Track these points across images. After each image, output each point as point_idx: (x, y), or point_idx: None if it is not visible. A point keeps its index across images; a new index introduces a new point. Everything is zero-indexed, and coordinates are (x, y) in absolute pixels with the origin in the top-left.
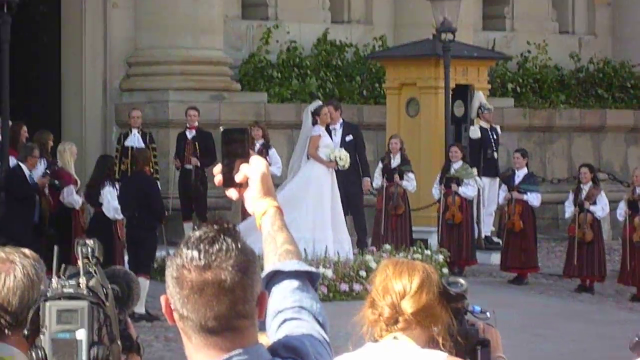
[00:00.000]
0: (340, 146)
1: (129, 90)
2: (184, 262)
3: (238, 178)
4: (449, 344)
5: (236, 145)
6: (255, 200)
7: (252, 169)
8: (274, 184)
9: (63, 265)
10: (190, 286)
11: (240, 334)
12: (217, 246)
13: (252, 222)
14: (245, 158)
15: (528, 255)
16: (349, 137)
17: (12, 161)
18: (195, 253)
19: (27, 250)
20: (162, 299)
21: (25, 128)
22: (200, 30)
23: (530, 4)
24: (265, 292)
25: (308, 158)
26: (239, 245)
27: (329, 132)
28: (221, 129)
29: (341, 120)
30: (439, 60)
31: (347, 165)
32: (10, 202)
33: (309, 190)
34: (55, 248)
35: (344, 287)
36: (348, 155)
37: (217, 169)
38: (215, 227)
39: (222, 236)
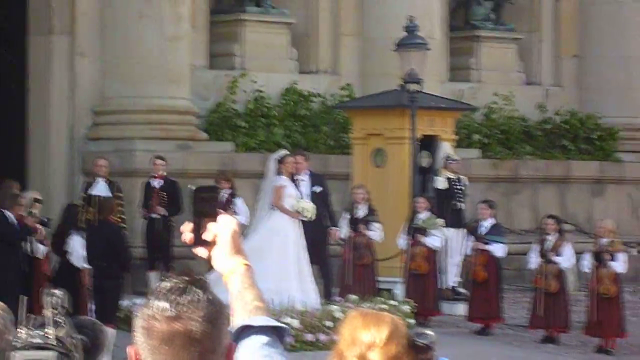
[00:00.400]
0: (309, 197)
1: (96, 139)
2: (154, 313)
3: (207, 237)
4: None
5: (206, 204)
6: (224, 259)
7: (222, 228)
8: (240, 232)
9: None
10: (160, 337)
11: None
12: (187, 297)
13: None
14: (215, 217)
15: (492, 306)
16: (318, 188)
17: None
18: (166, 304)
19: None
20: (130, 350)
21: None
22: (167, 80)
23: (497, 55)
24: (233, 343)
25: (272, 208)
26: (209, 297)
27: (295, 183)
28: (191, 187)
29: (308, 171)
30: (406, 110)
31: (312, 217)
32: None
33: (273, 241)
34: (22, 297)
35: (310, 337)
36: (314, 206)
37: (187, 227)
38: (185, 278)
39: (191, 287)
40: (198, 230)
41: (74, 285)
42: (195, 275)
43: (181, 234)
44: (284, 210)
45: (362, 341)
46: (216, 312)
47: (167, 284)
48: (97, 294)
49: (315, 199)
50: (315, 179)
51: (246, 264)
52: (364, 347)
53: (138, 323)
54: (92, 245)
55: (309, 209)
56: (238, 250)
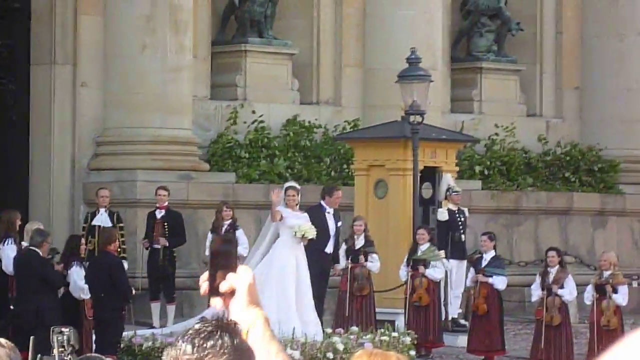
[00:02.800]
0: (335, 231)
1: (97, 169)
2: (177, 355)
3: (223, 288)
4: None
5: (223, 257)
6: (242, 310)
7: (239, 279)
8: (240, 263)
9: (39, 355)
10: None
11: None
12: (211, 342)
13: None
14: (232, 269)
15: (494, 338)
16: (339, 223)
17: None
18: (189, 347)
19: (2, 340)
20: None
21: None
22: (169, 110)
23: (499, 87)
24: None
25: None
26: (235, 343)
27: (325, 217)
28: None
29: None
30: (408, 142)
31: (313, 236)
32: (39, 289)
33: (271, 271)
34: (31, 338)
35: None
36: (311, 226)
37: (203, 277)
38: (215, 322)
39: (219, 332)
40: (213, 281)
41: (76, 317)
42: (225, 321)
43: (180, 256)
44: (276, 220)
45: None
46: (241, 357)
47: (196, 326)
48: (98, 325)
49: (336, 233)
50: (336, 213)
51: (265, 316)
52: None
53: None
54: (91, 277)
55: (308, 229)
56: (255, 301)
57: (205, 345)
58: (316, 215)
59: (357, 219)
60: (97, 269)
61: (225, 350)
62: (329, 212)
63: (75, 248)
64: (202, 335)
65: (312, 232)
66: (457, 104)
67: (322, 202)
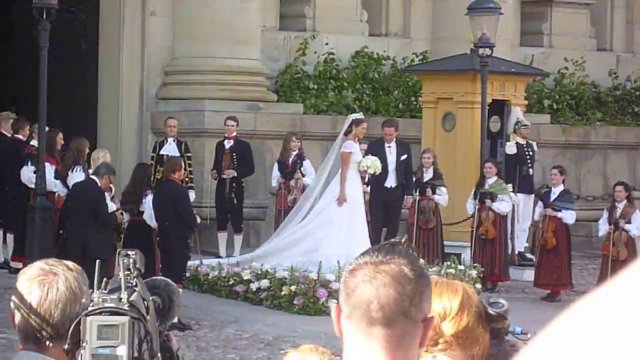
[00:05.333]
0: (395, 164)
1: (166, 98)
2: (356, 264)
3: None
4: None
5: None
6: None
7: None
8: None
9: (105, 279)
10: (361, 275)
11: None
12: (395, 250)
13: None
14: None
15: (561, 272)
16: (404, 156)
17: (48, 167)
18: (368, 257)
19: (70, 263)
20: (333, 307)
21: (61, 135)
22: (237, 40)
23: (569, 21)
24: (434, 318)
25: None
26: (414, 261)
27: (384, 151)
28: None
29: (395, 139)
30: (476, 75)
31: (377, 171)
32: (89, 220)
33: (342, 208)
34: (97, 262)
35: None
36: (375, 159)
37: None
38: (387, 246)
39: (397, 248)
40: None
41: (149, 245)
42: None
43: (248, 187)
44: (345, 180)
45: (434, 311)
46: (419, 268)
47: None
48: (163, 253)
49: (400, 167)
50: (403, 147)
51: None
52: (436, 317)
53: (341, 281)
54: (159, 205)
55: (372, 165)
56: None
57: (387, 252)
58: (376, 150)
59: (426, 151)
60: (162, 198)
61: (409, 259)
62: (389, 146)
63: (145, 176)
64: (382, 248)
65: (375, 167)
66: (526, 37)
67: (387, 137)
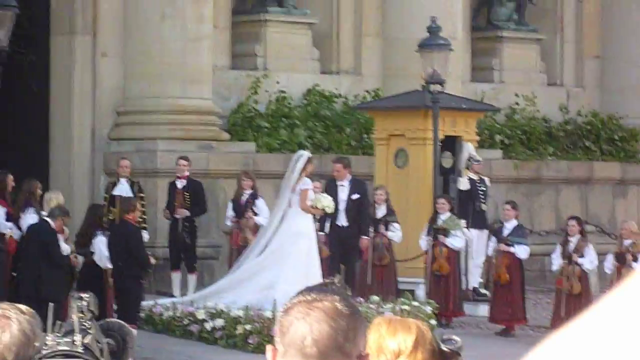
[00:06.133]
0: (346, 203)
1: (118, 139)
2: (289, 305)
3: None
4: None
5: None
6: None
7: None
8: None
9: (58, 322)
10: (296, 313)
11: None
12: (321, 291)
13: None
14: None
15: (515, 307)
16: (355, 196)
17: (0, 210)
18: (299, 297)
19: (23, 306)
20: (269, 350)
21: (11, 177)
22: (189, 80)
23: (519, 56)
24: (369, 356)
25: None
26: (345, 298)
27: (336, 188)
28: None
29: (350, 177)
30: (428, 111)
31: (332, 210)
32: (43, 260)
33: (299, 243)
34: (51, 305)
35: None
36: (331, 199)
37: None
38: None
39: (328, 288)
40: None
41: (100, 286)
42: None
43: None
44: (310, 212)
45: (388, 349)
46: (352, 306)
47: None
48: (119, 294)
49: (351, 206)
50: (356, 186)
51: None
52: (390, 355)
53: (276, 321)
54: (113, 245)
55: (328, 204)
56: None
57: (314, 294)
58: (329, 188)
59: (379, 188)
60: (117, 238)
61: (339, 295)
62: (342, 185)
63: (98, 217)
64: (311, 290)
65: (330, 207)
66: (477, 73)
67: (334, 175)
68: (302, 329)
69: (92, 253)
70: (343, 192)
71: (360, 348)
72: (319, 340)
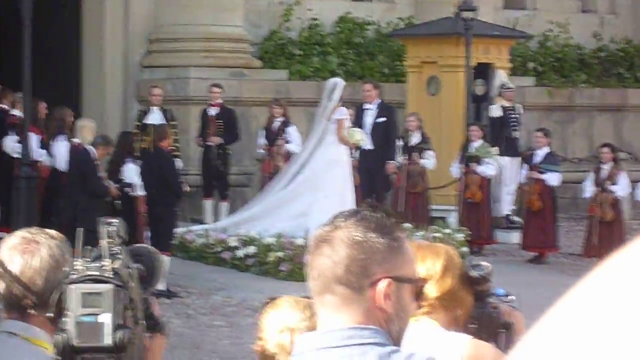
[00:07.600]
0: (372, 127)
1: (150, 67)
2: (316, 232)
3: None
4: (472, 326)
5: None
6: None
7: None
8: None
9: (87, 247)
10: (311, 249)
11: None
12: (360, 215)
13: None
14: None
15: (547, 234)
16: (381, 119)
17: (34, 137)
18: (320, 229)
19: (52, 231)
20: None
21: (44, 104)
22: (221, 7)
23: None
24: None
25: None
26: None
27: (362, 112)
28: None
29: (378, 101)
30: (460, 38)
31: (363, 144)
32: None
33: (334, 172)
34: (79, 230)
35: None
36: (362, 132)
37: None
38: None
39: (366, 212)
40: None
41: (130, 213)
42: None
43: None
44: (347, 143)
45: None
46: (363, 235)
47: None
48: (152, 221)
49: (376, 130)
50: (383, 109)
51: None
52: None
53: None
54: (146, 173)
55: (361, 137)
56: None
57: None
58: (356, 113)
59: (411, 115)
60: (150, 166)
61: (370, 220)
62: (369, 108)
63: (128, 145)
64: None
65: (362, 140)
66: (510, 0)
67: (364, 96)
68: (310, 263)
69: (122, 180)
70: (370, 115)
71: (373, 276)
72: (320, 274)
